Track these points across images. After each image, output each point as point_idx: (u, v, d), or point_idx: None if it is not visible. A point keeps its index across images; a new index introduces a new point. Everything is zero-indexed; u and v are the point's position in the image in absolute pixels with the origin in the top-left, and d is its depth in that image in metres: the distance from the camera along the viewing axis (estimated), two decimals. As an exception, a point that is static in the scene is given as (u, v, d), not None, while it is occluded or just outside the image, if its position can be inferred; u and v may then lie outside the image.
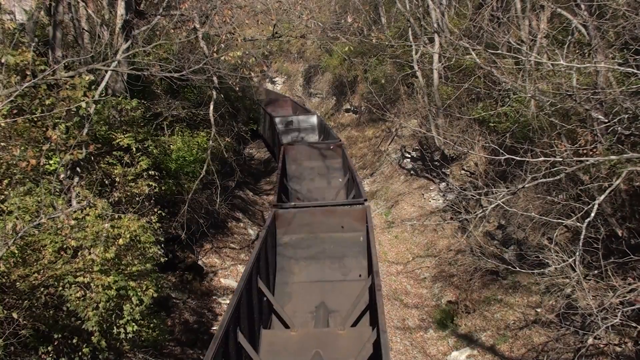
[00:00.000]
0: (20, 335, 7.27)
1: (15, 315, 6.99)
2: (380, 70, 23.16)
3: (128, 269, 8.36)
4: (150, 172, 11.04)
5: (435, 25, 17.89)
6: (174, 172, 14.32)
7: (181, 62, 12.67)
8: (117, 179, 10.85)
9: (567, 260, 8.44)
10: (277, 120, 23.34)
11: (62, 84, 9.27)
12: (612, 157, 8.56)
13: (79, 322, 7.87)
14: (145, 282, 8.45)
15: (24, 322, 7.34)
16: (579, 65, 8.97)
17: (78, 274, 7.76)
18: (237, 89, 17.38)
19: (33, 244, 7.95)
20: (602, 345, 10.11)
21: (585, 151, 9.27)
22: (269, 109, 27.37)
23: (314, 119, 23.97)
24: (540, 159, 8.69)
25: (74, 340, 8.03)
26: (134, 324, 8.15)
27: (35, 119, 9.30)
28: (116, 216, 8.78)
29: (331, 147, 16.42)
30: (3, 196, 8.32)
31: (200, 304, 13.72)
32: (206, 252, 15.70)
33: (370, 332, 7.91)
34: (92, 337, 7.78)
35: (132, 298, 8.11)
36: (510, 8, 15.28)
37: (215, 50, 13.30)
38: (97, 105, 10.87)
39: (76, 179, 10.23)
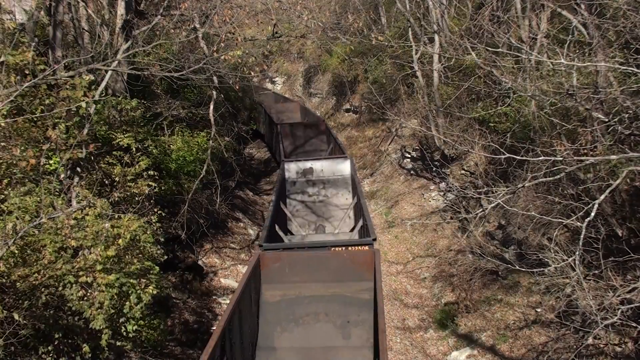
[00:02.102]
0: (20, 335, 7.27)
1: (15, 315, 6.98)
2: (380, 70, 23.14)
3: (127, 267, 8.36)
4: (150, 172, 11.04)
5: (435, 25, 17.88)
6: (174, 172, 14.32)
7: (181, 62, 12.67)
8: (117, 179, 10.85)
9: (567, 260, 8.43)
10: (288, 168, 15.55)
11: (62, 84, 9.27)
12: (612, 156, 8.56)
13: (82, 321, 7.87)
14: (144, 280, 8.45)
15: (24, 322, 7.34)
16: (579, 65, 8.96)
17: (80, 273, 7.76)
18: (237, 88, 17.35)
19: (33, 244, 7.94)
20: (602, 345, 10.11)
21: (585, 151, 9.26)
22: (288, 139, 21.31)
23: (345, 168, 15.50)
24: (540, 158, 8.69)
25: (75, 340, 8.04)
26: (134, 322, 8.15)
27: (35, 119, 9.30)
28: (116, 216, 8.78)
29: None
30: (3, 196, 8.32)
31: (200, 304, 13.72)
32: (206, 252, 15.70)
33: None
34: (103, 335, 7.77)
35: (131, 296, 8.11)
36: (510, 8, 15.28)
37: (215, 50, 13.31)
38: (97, 105, 10.88)
39: (76, 179, 10.23)
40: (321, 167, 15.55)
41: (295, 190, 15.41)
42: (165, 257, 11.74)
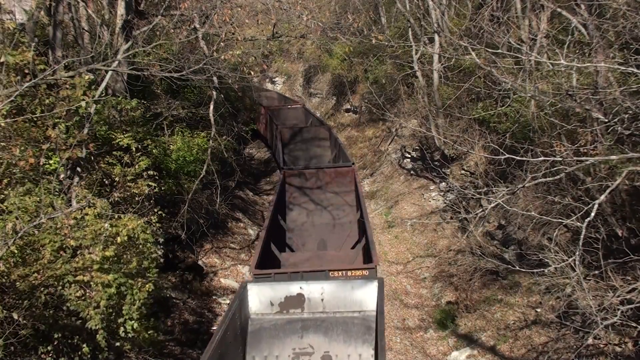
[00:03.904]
0: (20, 335, 7.28)
1: (15, 315, 6.99)
2: (380, 70, 23.14)
3: (125, 267, 8.37)
4: (149, 172, 11.05)
5: (435, 25, 17.89)
6: (174, 172, 14.32)
7: (181, 62, 12.66)
8: (117, 179, 10.85)
9: (567, 260, 8.43)
10: (256, 295, 8.37)
11: (62, 84, 9.27)
12: (612, 157, 8.56)
13: (80, 321, 7.89)
14: (141, 279, 8.46)
15: (24, 322, 7.34)
16: (579, 65, 8.96)
17: (78, 273, 7.77)
18: (237, 87, 17.31)
19: (33, 244, 7.95)
20: (602, 345, 10.11)
21: (585, 151, 9.27)
22: (294, 197, 14.18)
23: (369, 296, 8.32)
24: (540, 158, 8.69)
25: (74, 340, 8.05)
26: (132, 322, 8.16)
27: (35, 119, 9.30)
28: (116, 216, 8.78)
29: None
30: (3, 196, 8.32)
31: (200, 304, 13.71)
32: (206, 252, 15.70)
33: None
34: (97, 336, 7.79)
35: (128, 296, 8.12)
36: (510, 8, 15.28)
37: (215, 50, 13.31)
38: (97, 105, 10.88)
39: (76, 179, 10.23)
40: (322, 292, 8.32)
41: (262, 340, 8.18)
42: (163, 259, 11.74)
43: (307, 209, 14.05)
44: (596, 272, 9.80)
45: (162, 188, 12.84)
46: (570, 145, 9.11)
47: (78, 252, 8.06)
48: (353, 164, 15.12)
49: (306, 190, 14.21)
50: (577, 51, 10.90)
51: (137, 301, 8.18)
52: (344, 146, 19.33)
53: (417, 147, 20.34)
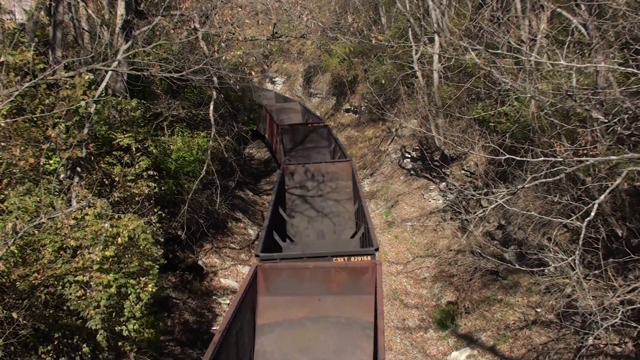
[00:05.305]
0: (20, 335, 7.28)
1: (15, 315, 6.99)
2: (380, 70, 23.14)
3: (126, 267, 8.37)
4: (149, 172, 11.04)
5: (435, 25, 17.89)
6: (174, 172, 14.33)
7: (181, 62, 12.66)
8: (117, 179, 10.85)
9: (567, 260, 8.43)
10: None
11: (62, 84, 9.27)
12: (612, 157, 8.56)
13: (81, 321, 7.89)
14: (144, 279, 8.46)
15: (24, 321, 7.34)
16: (579, 65, 8.96)
17: (77, 273, 7.78)
18: (237, 88, 17.28)
19: (33, 244, 7.95)
20: (602, 345, 10.11)
21: (585, 151, 9.26)
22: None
23: None
24: (540, 158, 8.69)
25: (74, 340, 8.05)
26: (134, 321, 8.16)
27: (35, 119, 9.30)
28: (116, 216, 8.79)
29: None
30: (3, 196, 8.32)
31: (200, 304, 13.72)
32: (206, 252, 15.70)
33: None
34: (98, 336, 7.80)
35: (131, 295, 8.12)
36: (510, 8, 15.28)
37: (215, 50, 13.31)
38: (97, 105, 10.88)
39: (76, 179, 10.23)
40: None
41: None
42: (165, 261, 11.73)
43: (299, 328, 9.01)
44: (596, 272, 9.80)
45: (162, 188, 12.84)
46: (570, 146, 9.10)
47: (78, 252, 8.06)
48: (377, 249, 9.84)
49: (297, 297, 9.06)
50: (577, 51, 10.89)
51: (140, 301, 8.18)
52: (368, 213, 12.34)
53: (417, 147, 20.34)
